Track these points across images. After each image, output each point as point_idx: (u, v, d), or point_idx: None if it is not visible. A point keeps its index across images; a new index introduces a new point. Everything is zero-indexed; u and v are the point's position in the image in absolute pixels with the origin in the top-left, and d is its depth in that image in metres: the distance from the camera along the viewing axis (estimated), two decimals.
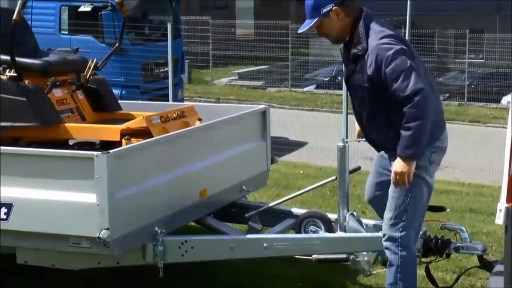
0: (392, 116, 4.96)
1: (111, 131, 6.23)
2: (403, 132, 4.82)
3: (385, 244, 5.17)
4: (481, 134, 15.88)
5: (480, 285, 6.43)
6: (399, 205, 5.06)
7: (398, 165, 4.89)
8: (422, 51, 23.40)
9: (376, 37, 4.95)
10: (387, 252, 5.18)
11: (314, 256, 5.89)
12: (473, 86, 22.26)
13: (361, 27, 5.02)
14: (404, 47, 4.91)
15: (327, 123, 15.55)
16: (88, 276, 6.00)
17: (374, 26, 5.02)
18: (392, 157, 5.04)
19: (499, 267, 5.30)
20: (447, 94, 22.80)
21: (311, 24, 5.09)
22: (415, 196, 5.05)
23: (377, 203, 5.58)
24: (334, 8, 5.03)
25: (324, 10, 5.04)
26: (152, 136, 5.93)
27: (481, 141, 14.44)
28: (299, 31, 5.29)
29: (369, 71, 4.92)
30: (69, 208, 5.17)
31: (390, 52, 4.84)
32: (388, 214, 5.14)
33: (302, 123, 15.99)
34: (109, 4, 14.40)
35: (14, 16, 6.08)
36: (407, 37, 22.54)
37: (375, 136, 5.23)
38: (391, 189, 5.10)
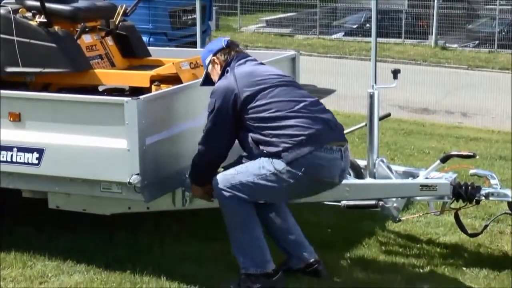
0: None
1: (141, 77, 6.24)
2: None
3: None
4: (511, 81, 15.70)
5: (509, 231, 6.41)
6: None
7: None
8: None
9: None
10: None
11: (343, 202, 5.90)
12: (503, 33, 21.98)
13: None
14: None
15: (355, 70, 15.46)
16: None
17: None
18: None
19: None
20: (477, 41, 22.55)
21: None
22: None
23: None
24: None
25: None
26: (182, 82, 5.94)
27: (511, 88, 14.28)
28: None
29: None
30: (99, 153, 5.22)
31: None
32: None
33: (330, 71, 15.89)
34: None
35: None
36: None
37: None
38: None
